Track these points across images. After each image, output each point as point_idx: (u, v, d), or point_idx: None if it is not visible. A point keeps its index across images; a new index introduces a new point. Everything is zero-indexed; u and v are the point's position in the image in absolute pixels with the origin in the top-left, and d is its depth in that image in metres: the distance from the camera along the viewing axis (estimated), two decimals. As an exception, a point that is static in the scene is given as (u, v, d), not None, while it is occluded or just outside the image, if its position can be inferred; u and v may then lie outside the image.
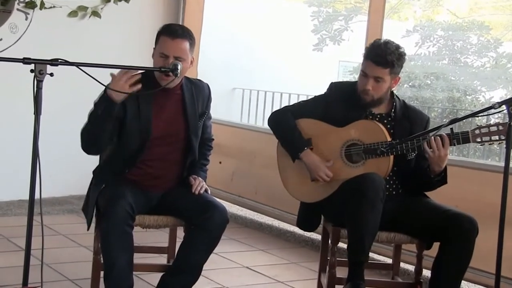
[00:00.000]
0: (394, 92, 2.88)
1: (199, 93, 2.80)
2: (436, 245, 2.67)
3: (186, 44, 2.63)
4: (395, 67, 2.72)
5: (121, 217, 2.46)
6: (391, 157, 2.68)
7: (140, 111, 2.64)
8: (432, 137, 2.59)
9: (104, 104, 2.51)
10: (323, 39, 10.48)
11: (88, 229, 2.69)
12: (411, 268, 3.31)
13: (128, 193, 2.54)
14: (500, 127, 2.50)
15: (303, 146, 2.81)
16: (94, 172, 2.80)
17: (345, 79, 10.58)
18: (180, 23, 5.13)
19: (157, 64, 2.61)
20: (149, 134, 2.65)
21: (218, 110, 3.99)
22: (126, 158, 2.68)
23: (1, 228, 3.99)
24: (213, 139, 2.94)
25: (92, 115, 2.56)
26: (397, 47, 2.74)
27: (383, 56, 2.70)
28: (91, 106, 2.59)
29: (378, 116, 2.82)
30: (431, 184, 2.74)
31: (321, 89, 2.97)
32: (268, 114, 3.05)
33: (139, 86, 2.48)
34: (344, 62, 10.74)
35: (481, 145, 2.55)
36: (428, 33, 10.70)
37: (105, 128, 2.56)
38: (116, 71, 2.46)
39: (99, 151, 2.75)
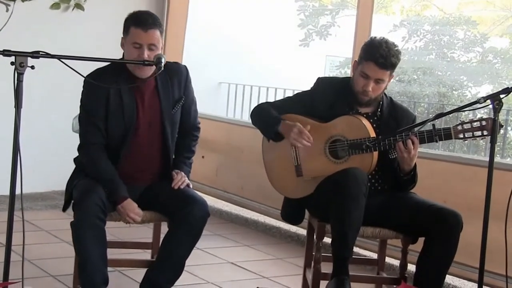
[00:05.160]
0: None
1: (174, 76, 2.72)
2: (421, 240, 2.67)
3: (158, 33, 2.60)
4: (395, 67, 2.69)
5: (91, 210, 2.46)
6: (375, 153, 2.66)
7: (123, 103, 2.63)
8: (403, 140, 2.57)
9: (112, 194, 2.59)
10: (309, 34, 10.47)
11: (63, 211, 2.73)
12: (396, 263, 3.31)
13: (101, 188, 2.55)
14: (483, 123, 2.47)
15: (279, 119, 2.74)
16: (75, 160, 2.78)
17: (332, 74, 10.59)
18: (166, 17, 5.09)
19: (131, 54, 2.57)
20: (132, 125, 2.64)
21: (204, 105, 3.96)
22: (111, 151, 2.66)
23: (-18, 224, 3.94)
24: (198, 128, 2.87)
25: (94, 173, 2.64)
26: (395, 45, 2.68)
27: (387, 58, 2.62)
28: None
29: (364, 115, 2.78)
30: (402, 183, 2.73)
31: (308, 84, 2.93)
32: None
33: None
34: (331, 57, 10.75)
35: (464, 141, 2.53)
36: (415, 27, 10.73)
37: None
38: None
39: None
